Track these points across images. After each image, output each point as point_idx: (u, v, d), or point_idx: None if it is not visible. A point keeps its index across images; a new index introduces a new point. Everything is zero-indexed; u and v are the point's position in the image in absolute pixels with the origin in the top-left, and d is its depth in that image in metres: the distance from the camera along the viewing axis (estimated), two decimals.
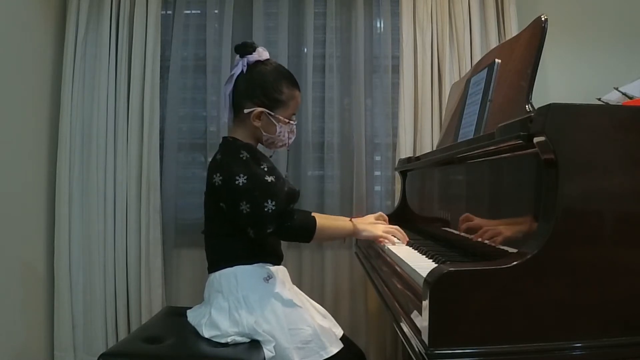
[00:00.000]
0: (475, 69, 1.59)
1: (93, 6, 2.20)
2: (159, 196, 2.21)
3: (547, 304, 0.81)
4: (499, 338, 0.79)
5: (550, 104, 0.84)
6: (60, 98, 2.18)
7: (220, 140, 1.46)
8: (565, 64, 2.27)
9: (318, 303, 1.50)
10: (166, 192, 2.25)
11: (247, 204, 1.28)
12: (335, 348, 1.34)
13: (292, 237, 1.45)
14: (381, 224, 1.52)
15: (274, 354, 1.26)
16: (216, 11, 2.29)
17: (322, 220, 1.40)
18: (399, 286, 1.13)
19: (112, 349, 1.34)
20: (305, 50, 2.28)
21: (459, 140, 1.47)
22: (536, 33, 1.18)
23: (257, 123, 1.40)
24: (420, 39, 2.22)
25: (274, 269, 1.41)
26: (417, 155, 2.10)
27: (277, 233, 1.33)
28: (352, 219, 1.50)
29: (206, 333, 1.31)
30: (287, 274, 1.48)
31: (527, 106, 1.10)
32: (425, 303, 0.79)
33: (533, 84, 1.13)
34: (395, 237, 1.46)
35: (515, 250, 0.91)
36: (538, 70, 1.14)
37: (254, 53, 1.40)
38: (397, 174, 2.16)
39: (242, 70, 1.40)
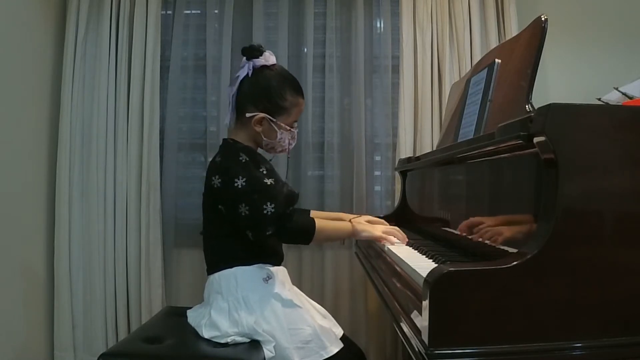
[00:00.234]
0: (475, 69, 1.59)
1: (93, 6, 2.20)
2: (159, 196, 2.22)
3: (547, 304, 0.81)
4: (499, 338, 0.79)
5: (550, 104, 0.84)
6: (60, 98, 2.18)
7: (220, 140, 1.46)
8: (565, 64, 2.27)
9: (318, 303, 1.50)
10: (166, 192, 2.25)
11: (247, 206, 1.28)
12: (336, 348, 1.34)
13: (292, 239, 1.45)
14: (380, 224, 1.52)
15: (274, 354, 1.26)
16: (216, 11, 2.29)
17: (321, 222, 1.40)
18: (399, 286, 1.13)
19: (112, 349, 1.34)
20: (305, 50, 2.29)
21: (459, 140, 1.47)
22: (536, 33, 1.18)
23: (258, 128, 1.40)
24: (420, 39, 2.21)
25: (274, 269, 1.41)
26: (417, 155, 2.09)
27: (276, 235, 1.33)
28: (352, 220, 1.50)
29: (206, 334, 1.31)
30: (287, 274, 1.48)
31: (527, 106, 1.10)
32: (425, 303, 0.79)
33: (533, 84, 1.13)
34: (395, 237, 1.45)
35: (515, 250, 0.90)
36: (538, 70, 1.14)
37: (260, 57, 1.39)
38: (397, 174, 2.16)
39: (247, 74, 1.40)
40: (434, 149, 2.07)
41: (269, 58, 1.41)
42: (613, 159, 0.86)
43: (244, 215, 1.29)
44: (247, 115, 1.39)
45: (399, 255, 1.23)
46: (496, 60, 1.37)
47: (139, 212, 2.20)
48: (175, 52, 2.26)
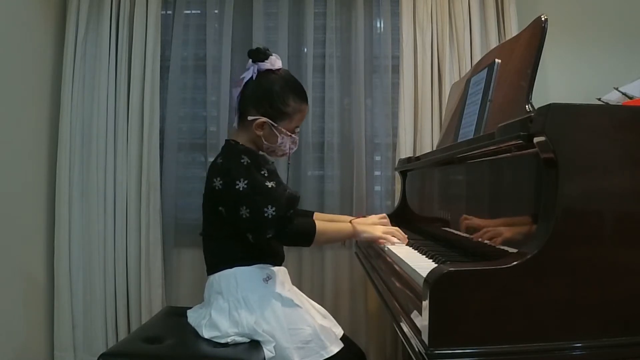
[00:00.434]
0: (475, 69, 1.59)
1: (93, 6, 2.20)
2: (159, 196, 2.22)
3: (547, 304, 0.81)
4: (499, 338, 0.79)
5: (550, 104, 0.84)
6: (60, 98, 2.18)
7: (221, 141, 1.46)
8: (565, 64, 2.27)
9: (318, 303, 1.50)
10: (166, 192, 2.25)
11: (247, 209, 1.28)
12: (336, 348, 1.34)
13: (292, 241, 1.45)
14: (381, 224, 1.52)
15: (274, 354, 1.26)
16: (216, 11, 2.28)
17: (322, 224, 1.40)
18: (398, 286, 1.13)
19: (112, 349, 1.34)
20: (305, 50, 2.28)
21: (459, 140, 1.47)
22: (536, 33, 1.18)
23: (259, 132, 1.40)
24: (420, 39, 2.21)
25: (274, 269, 1.41)
26: (417, 155, 2.09)
27: (276, 238, 1.32)
28: (352, 221, 1.50)
29: (206, 334, 1.31)
30: (287, 274, 1.48)
31: (527, 106, 1.10)
32: (425, 303, 0.79)
33: (533, 84, 1.13)
34: (395, 237, 1.45)
35: (515, 250, 0.91)
36: (538, 70, 1.14)
37: (266, 61, 1.39)
38: (397, 174, 2.16)
39: (252, 76, 1.40)
40: (434, 149, 2.07)
41: (274, 62, 1.40)
42: (613, 159, 0.86)
43: (244, 217, 1.29)
44: (249, 118, 1.39)
45: (399, 255, 1.23)
46: (496, 60, 1.37)
47: (139, 212, 2.20)
48: (175, 52, 2.26)
